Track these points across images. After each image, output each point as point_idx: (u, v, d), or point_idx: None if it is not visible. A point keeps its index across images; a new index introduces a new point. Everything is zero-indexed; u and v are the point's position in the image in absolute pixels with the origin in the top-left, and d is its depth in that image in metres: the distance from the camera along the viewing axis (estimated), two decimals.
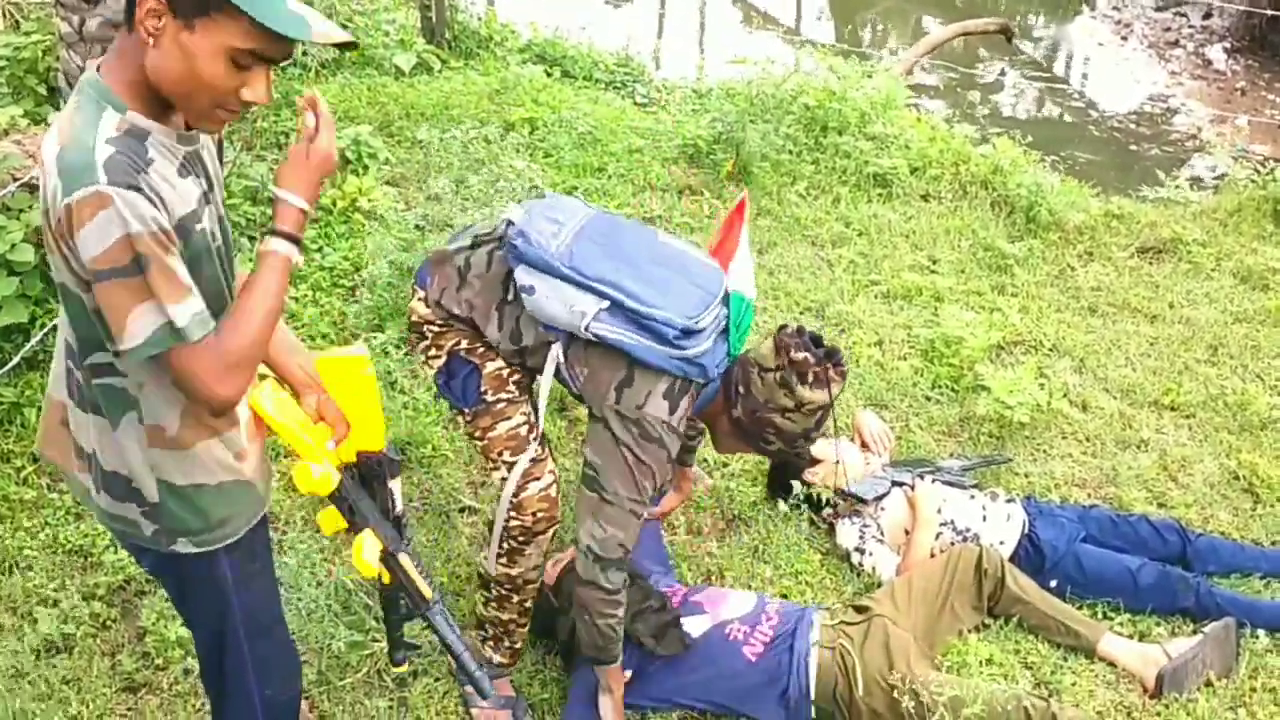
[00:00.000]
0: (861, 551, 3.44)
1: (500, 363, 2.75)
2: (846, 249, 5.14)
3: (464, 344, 2.74)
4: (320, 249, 4.59)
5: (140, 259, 1.66)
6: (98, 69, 1.76)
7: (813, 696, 2.90)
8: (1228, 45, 9.55)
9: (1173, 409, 4.24)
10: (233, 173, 4.56)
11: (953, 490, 3.53)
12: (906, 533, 3.45)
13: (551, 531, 2.82)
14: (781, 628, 2.99)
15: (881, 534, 3.46)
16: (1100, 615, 3.31)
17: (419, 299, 2.76)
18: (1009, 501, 3.51)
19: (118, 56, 1.75)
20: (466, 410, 2.78)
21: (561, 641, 3.07)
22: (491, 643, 2.99)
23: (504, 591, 2.89)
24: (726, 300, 2.66)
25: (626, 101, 6.68)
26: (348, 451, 2.08)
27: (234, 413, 1.94)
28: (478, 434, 2.79)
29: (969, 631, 3.19)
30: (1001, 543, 3.38)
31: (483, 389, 2.74)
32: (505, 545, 2.82)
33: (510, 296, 2.66)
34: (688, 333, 2.52)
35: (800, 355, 2.60)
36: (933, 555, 3.38)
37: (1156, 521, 3.49)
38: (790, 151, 5.71)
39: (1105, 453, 3.98)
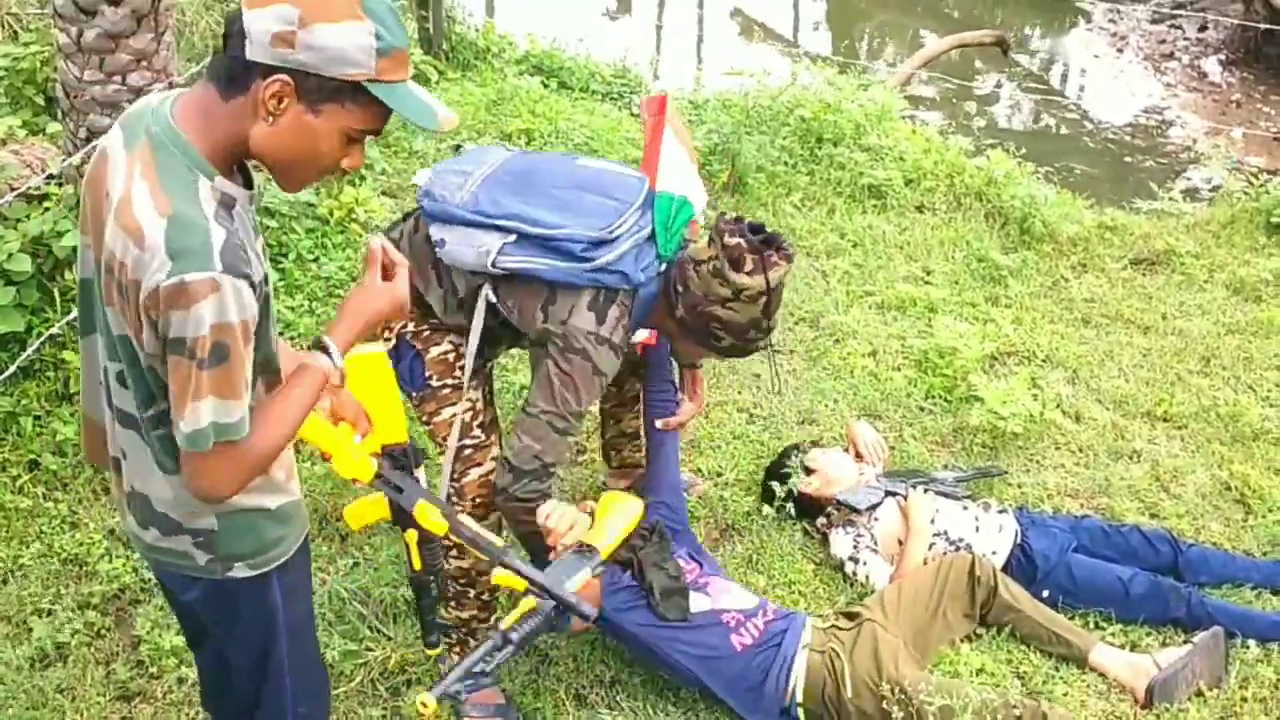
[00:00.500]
0: (856, 560, 3.45)
1: (445, 346, 2.77)
2: (841, 260, 5.16)
3: (410, 326, 2.78)
4: (316, 259, 4.60)
5: (225, 349, 1.66)
6: (171, 115, 1.72)
7: (798, 699, 2.91)
8: (1223, 58, 9.58)
9: (1165, 420, 4.26)
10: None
11: (946, 501, 3.54)
12: (900, 543, 3.46)
13: (492, 517, 2.81)
14: (774, 627, 3.00)
15: (875, 543, 3.48)
16: (1092, 625, 3.32)
17: None
18: (1001, 512, 3.52)
19: (204, 117, 1.71)
20: (413, 394, 2.81)
21: None
22: (458, 649, 2.97)
23: (459, 587, 2.90)
24: (650, 204, 2.66)
25: (623, 113, 6.70)
26: (373, 445, 2.09)
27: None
28: (424, 418, 2.84)
29: (960, 640, 3.20)
30: (994, 553, 3.39)
31: (427, 374, 2.79)
32: (451, 587, 2.84)
33: (437, 260, 2.70)
34: (597, 244, 2.54)
35: (734, 241, 2.57)
36: (926, 564, 3.39)
37: (1148, 532, 3.51)
38: (786, 163, 5.74)
39: (1098, 463, 4.00)
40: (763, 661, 2.93)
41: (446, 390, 2.77)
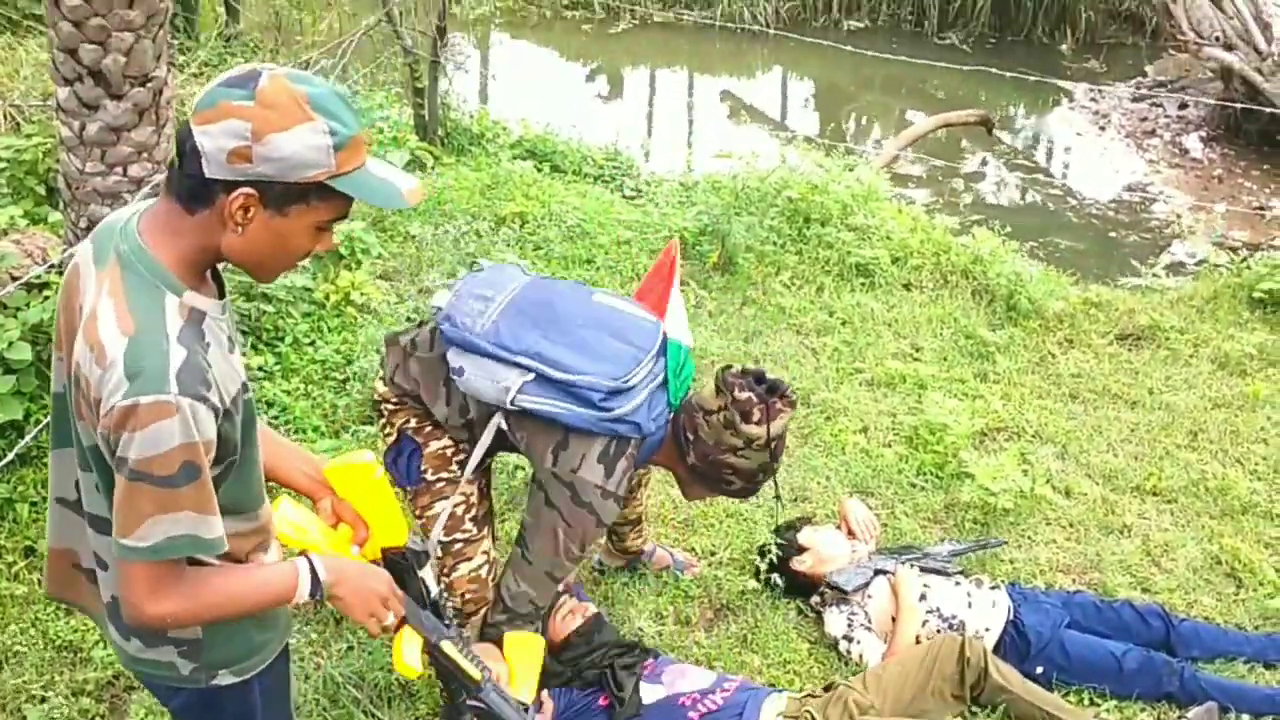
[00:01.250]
0: (850, 639, 3.46)
1: (445, 441, 2.81)
2: (831, 337, 5.22)
3: (413, 422, 2.82)
4: (313, 342, 4.66)
5: (185, 470, 1.66)
6: (139, 235, 1.72)
7: None
8: (1204, 134, 9.77)
9: (1155, 494, 4.29)
10: (227, 269, 4.63)
11: (937, 577, 3.56)
12: (894, 620, 3.47)
13: (484, 612, 2.84)
14: (732, 700, 3.01)
15: (869, 621, 3.48)
16: (1086, 702, 3.32)
17: (379, 378, 2.88)
18: (994, 588, 3.54)
19: (170, 233, 1.72)
20: (408, 489, 2.85)
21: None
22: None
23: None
24: (664, 351, 2.70)
25: (615, 194, 6.82)
26: (372, 551, 2.09)
27: (269, 532, 1.96)
28: (417, 511, 2.87)
29: (952, 718, 3.19)
30: (987, 629, 3.40)
31: (423, 468, 2.82)
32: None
33: (451, 379, 2.73)
34: (615, 393, 2.56)
35: (743, 395, 2.65)
36: (919, 642, 3.40)
37: (1140, 607, 3.52)
38: (775, 243, 5.83)
39: (1089, 538, 4.02)
40: None
41: (441, 484, 2.81)
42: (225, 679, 1.95)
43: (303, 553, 1.92)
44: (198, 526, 1.70)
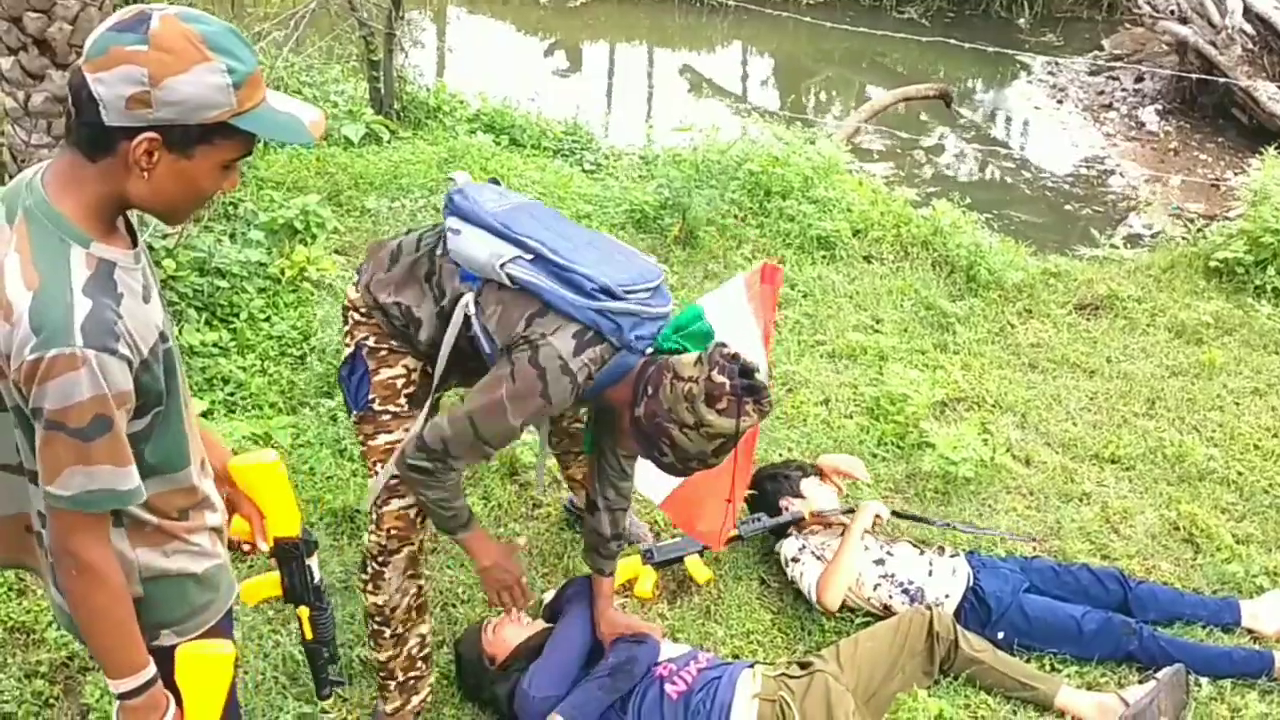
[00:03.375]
0: (797, 561, 3.52)
1: (397, 370, 2.76)
2: (792, 310, 5.22)
3: (372, 340, 2.76)
4: (268, 317, 4.59)
5: (97, 423, 1.66)
6: (44, 189, 1.71)
7: None
8: (1159, 108, 9.85)
9: (1113, 462, 4.33)
10: (180, 244, 4.57)
11: (903, 546, 3.57)
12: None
13: (406, 551, 2.80)
14: (708, 674, 3.00)
15: (822, 551, 3.53)
16: (1049, 668, 3.34)
17: (353, 284, 2.82)
18: (954, 556, 3.55)
19: (75, 184, 1.70)
20: (354, 412, 2.81)
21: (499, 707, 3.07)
22: (380, 693, 2.97)
23: (375, 626, 2.88)
24: (665, 297, 2.63)
25: (575, 169, 6.77)
26: (267, 539, 2.19)
27: (205, 497, 1.96)
28: (360, 438, 2.82)
29: (919, 687, 3.21)
30: (947, 596, 3.41)
31: (371, 396, 2.77)
32: (368, 569, 2.83)
33: (435, 269, 2.67)
34: (608, 292, 2.49)
35: (720, 378, 2.48)
36: (880, 609, 3.42)
37: (1098, 570, 3.55)
38: (736, 216, 5.81)
39: (1049, 506, 4.05)
40: (700, 705, 2.93)
41: (387, 417, 2.76)
42: (168, 639, 1.94)
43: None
44: (115, 480, 1.71)
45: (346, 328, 2.82)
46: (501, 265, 2.52)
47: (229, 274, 4.61)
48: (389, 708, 2.96)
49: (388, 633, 2.88)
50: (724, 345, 2.58)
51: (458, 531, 2.77)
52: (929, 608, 3.32)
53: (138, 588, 1.88)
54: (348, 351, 2.80)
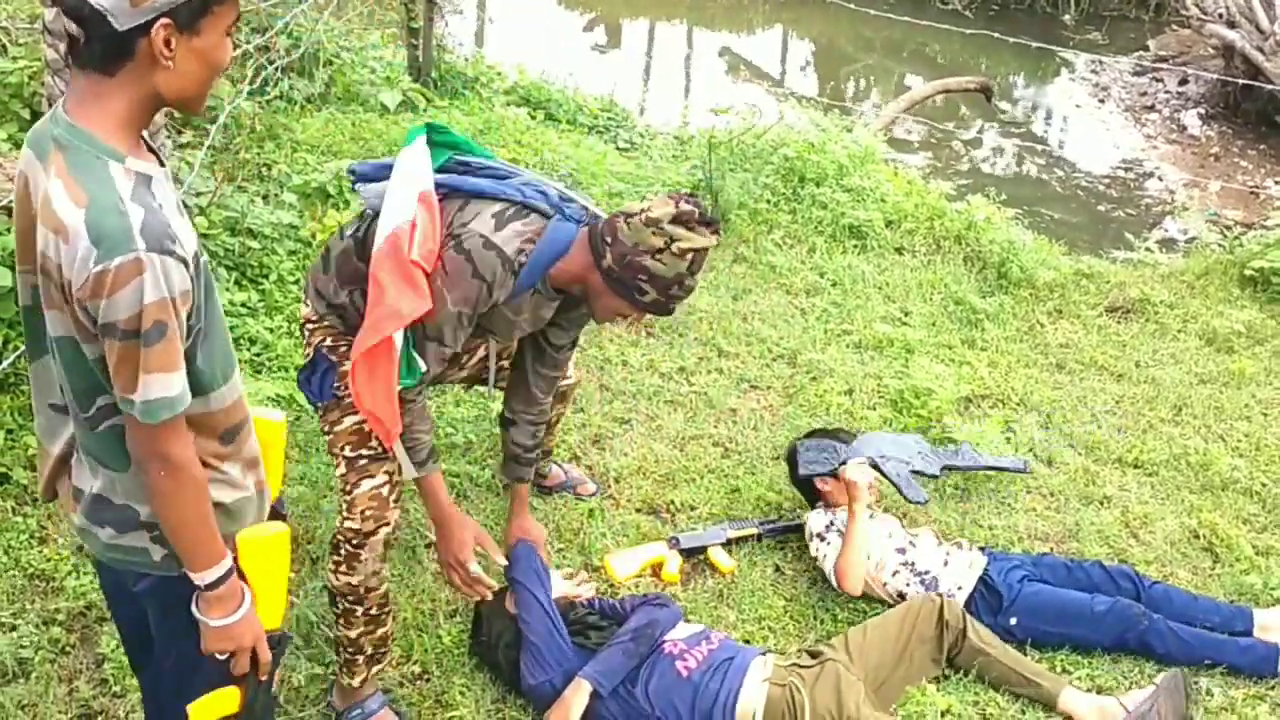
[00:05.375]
0: (822, 539, 3.53)
1: None
2: (820, 298, 5.19)
3: (329, 340, 2.86)
4: (297, 280, 4.61)
5: (160, 326, 1.70)
6: (69, 116, 1.74)
7: None
8: (1202, 111, 9.73)
9: (1136, 466, 4.29)
10: (213, 203, 4.58)
11: (925, 535, 3.57)
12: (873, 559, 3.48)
13: (381, 533, 2.81)
14: (720, 654, 3.02)
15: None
16: (1060, 669, 3.33)
17: (303, 302, 2.96)
18: (970, 550, 3.55)
19: (97, 102, 1.74)
20: (318, 406, 2.87)
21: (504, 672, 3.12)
22: (345, 667, 2.94)
23: (348, 605, 2.87)
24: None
25: (609, 146, 6.75)
26: None
27: (247, 429, 1.99)
28: (325, 428, 2.87)
29: (928, 681, 3.20)
30: (959, 588, 3.41)
31: (336, 385, 2.84)
32: (342, 551, 2.83)
33: (364, 247, 2.76)
34: (525, 181, 2.74)
35: (671, 202, 2.65)
36: (894, 598, 3.42)
37: (1111, 568, 3.53)
38: (768, 200, 5.79)
39: (1068, 508, 4.02)
40: (707, 688, 2.94)
41: (350, 401, 2.78)
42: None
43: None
44: (172, 385, 1.75)
45: (304, 341, 2.94)
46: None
47: (260, 235, 4.63)
48: (355, 680, 2.94)
49: (360, 611, 2.88)
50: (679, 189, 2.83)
51: (418, 468, 2.83)
52: (939, 596, 3.31)
53: None
54: (306, 358, 2.90)
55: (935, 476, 3.76)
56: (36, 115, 4.49)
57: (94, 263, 1.65)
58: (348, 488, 2.81)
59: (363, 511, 2.79)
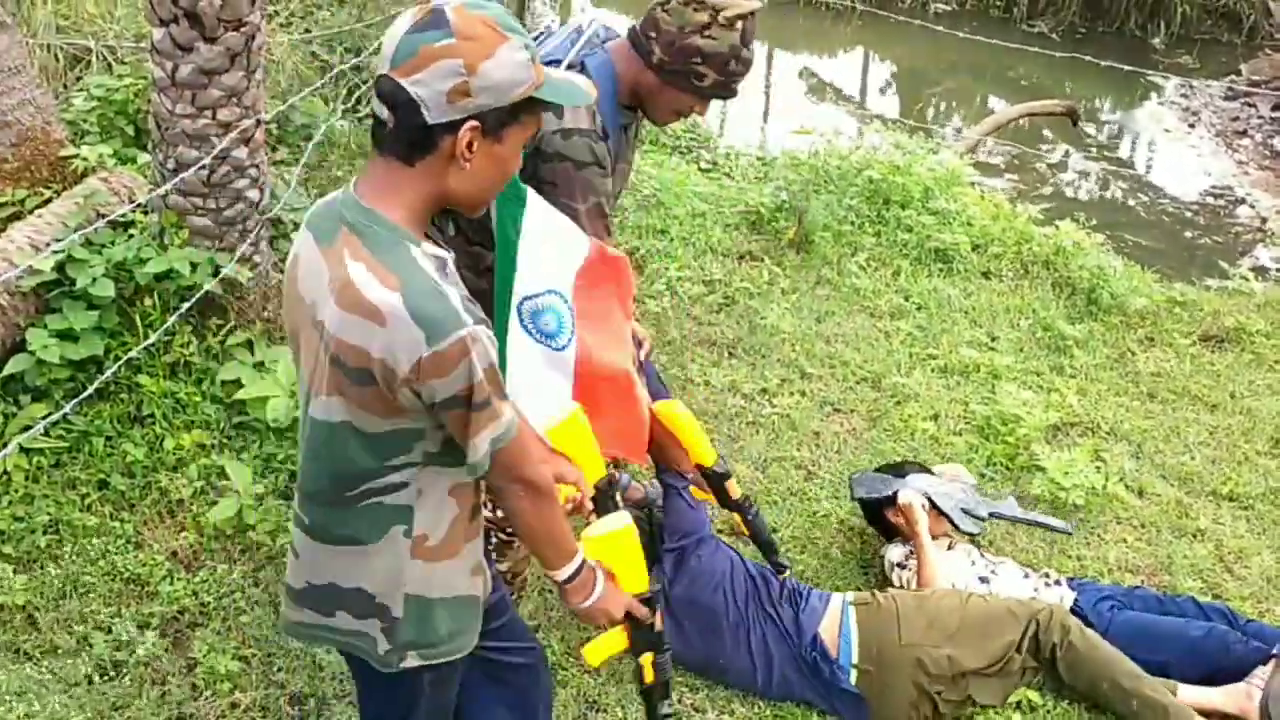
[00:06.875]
0: (902, 567, 3.54)
1: None
2: (905, 322, 5.15)
3: None
4: None
5: (499, 389, 1.77)
6: (360, 199, 1.78)
7: (853, 659, 3.05)
8: None
9: (1231, 499, 4.19)
10: None
11: (1010, 566, 3.52)
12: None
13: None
14: (793, 583, 3.29)
15: None
16: None
17: None
18: (1057, 584, 3.49)
19: (394, 190, 1.77)
20: None
21: None
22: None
23: (503, 538, 2.94)
24: None
25: (691, 166, 6.76)
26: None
27: (476, 524, 2.02)
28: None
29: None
30: None
31: None
32: (493, 539, 2.87)
33: None
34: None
35: None
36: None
37: (1205, 604, 3.45)
38: (852, 223, 5.76)
39: (1160, 540, 3.94)
40: (792, 603, 3.14)
41: None
42: (411, 661, 2.00)
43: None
44: (505, 414, 1.82)
45: None
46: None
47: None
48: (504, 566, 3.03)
49: (518, 543, 2.94)
50: None
51: None
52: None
53: (400, 608, 1.96)
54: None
55: (981, 519, 3.67)
56: (140, 132, 4.62)
57: (426, 346, 1.69)
58: None
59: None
